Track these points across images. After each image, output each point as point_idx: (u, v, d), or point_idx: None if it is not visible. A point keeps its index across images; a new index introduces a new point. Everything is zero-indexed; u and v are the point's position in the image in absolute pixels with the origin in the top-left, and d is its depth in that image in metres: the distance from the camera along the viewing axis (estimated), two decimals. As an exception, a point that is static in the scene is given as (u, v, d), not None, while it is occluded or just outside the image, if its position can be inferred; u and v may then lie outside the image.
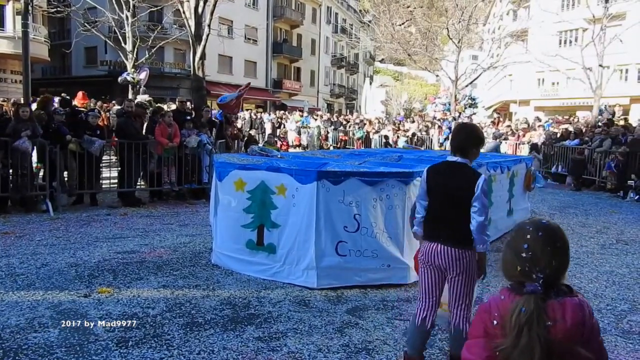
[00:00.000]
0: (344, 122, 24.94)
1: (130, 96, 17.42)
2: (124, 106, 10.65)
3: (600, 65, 20.85)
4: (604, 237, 8.08)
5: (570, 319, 1.61)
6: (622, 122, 16.94)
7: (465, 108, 30.29)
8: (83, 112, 10.12)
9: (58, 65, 36.81)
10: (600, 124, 17.09)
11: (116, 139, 9.67)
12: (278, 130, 22.46)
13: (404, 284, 5.24)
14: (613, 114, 19.63)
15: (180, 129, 10.03)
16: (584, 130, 16.81)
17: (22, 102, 11.06)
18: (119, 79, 18.84)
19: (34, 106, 10.04)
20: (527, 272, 1.67)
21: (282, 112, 28.69)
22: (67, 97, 13.13)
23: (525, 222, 1.77)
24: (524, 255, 1.67)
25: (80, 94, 15.47)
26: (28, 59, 9.91)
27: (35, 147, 8.44)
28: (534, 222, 1.75)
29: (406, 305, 4.74)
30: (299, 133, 23.06)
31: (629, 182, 12.72)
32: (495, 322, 1.68)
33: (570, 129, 17.26)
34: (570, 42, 33.74)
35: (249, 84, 13.41)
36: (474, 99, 32.33)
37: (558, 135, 17.20)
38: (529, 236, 1.69)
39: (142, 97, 15.70)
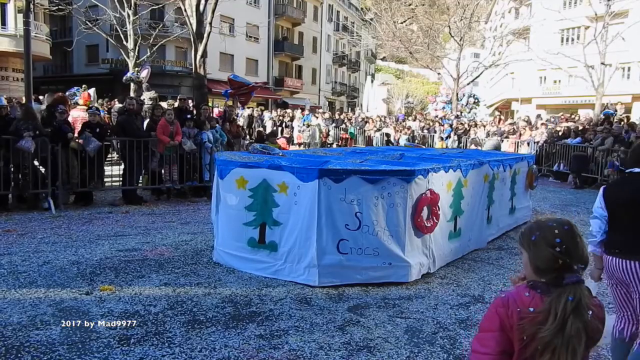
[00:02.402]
0: (346, 120, 24.95)
1: (132, 94, 17.41)
2: (125, 104, 10.66)
3: (602, 63, 20.80)
4: (606, 236, 8.05)
5: (600, 314, 1.73)
6: (625, 120, 16.89)
7: (470, 110, 30.24)
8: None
9: (59, 63, 36.83)
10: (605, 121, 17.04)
11: (111, 140, 9.65)
12: (280, 129, 22.46)
13: (405, 282, 5.24)
14: (615, 112, 19.57)
15: (182, 127, 10.03)
16: (581, 128, 16.76)
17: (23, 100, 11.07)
18: (124, 78, 18.82)
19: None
20: (568, 264, 1.73)
21: (284, 110, 28.64)
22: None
23: (543, 221, 1.83)
24: (558, 249, 1.73)
25: (85, 93, 15.47)
26: (30, 57, 9.88)
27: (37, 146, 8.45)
28: (552, 219, 1.83)
29: (407, 303, 4.74)
30: (301, 131, 23.09)
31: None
32: (531, 309, 1.69)
33: (572, 127, 17.23)
34: (572, 40, 33.67)
35: (266, 83, 13.31)
36: (476, 98, 32.31)
37: (560, 133, 17.18)
38: (557, 231, 1.75)
39: (148, 94, 15.70)
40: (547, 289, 1.71)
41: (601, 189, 3.34)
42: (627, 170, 3.26)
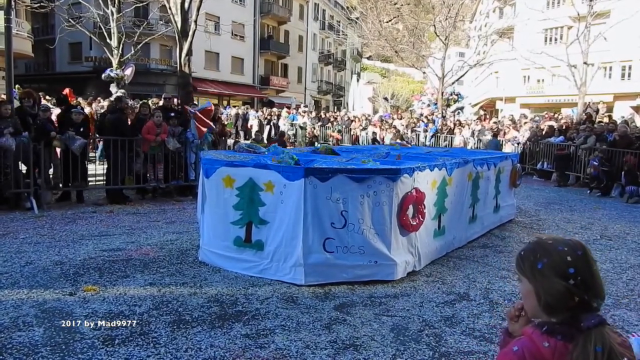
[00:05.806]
0: (332, 119, 25.00)
1: (113, 91, 17.24)
2: (120, 103, 10.57)
3: (585, 63, 21.05)
4: (589, 233, 8.18)
5: (632, 357, 1.37)
6: (606, 119, 17.13)
7: (449, 104, 30.56)
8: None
9: (42, 61, 36.32)
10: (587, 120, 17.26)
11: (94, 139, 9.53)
12: (268, 128, 22.43)
13: (391, 280, 5.26)
14: (597, 111, 19.84)
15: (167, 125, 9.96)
16: (564, 126, 16.97)
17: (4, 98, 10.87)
18: (103, 75, 18.60)
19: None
20: (586, 301, 1.38)
21: (270, 109, 28.54)
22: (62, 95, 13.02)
23: (550, 244, 1.46)
24: (572, 282, 1.38)
25: (66, 90, 15.29)
26: (11, 55, 9.70)
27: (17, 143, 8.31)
28: (560, 241, 1.46)
29: (393, 301, 4.76)
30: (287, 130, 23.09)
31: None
32: None
33: (555, 125, 17.43)
34: (556, 39, 34.08)
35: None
36: (457, 94, 32.62)
37: (543, 132, 17.37)
38: (569, 258, 1.40)
39: (118, 91, 15.58)
40: (570, 333, 1.35)
41: None
42: None
